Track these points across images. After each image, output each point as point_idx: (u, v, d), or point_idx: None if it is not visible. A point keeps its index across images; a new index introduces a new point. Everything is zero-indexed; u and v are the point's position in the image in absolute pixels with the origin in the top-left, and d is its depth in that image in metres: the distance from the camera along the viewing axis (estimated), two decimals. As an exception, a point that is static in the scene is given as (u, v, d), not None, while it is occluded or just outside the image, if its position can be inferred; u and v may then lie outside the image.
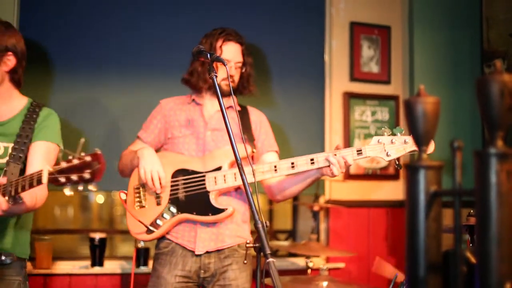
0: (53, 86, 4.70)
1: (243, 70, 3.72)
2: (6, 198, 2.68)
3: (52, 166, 2.46)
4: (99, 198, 6.65)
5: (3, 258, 3.08)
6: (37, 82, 4.59)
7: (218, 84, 3.59)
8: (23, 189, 2.61)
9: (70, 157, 2.42)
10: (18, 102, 3.23)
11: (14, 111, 3.19)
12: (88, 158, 2.38)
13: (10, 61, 3.13)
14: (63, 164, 2.42)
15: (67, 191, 2.43)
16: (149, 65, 4.88)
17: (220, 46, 3.64)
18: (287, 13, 5.29)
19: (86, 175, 2.37)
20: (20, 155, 3.07)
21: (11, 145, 3.10)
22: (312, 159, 3.32)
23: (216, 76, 3.03)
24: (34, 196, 2.96)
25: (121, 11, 4.88)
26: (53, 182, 2.45)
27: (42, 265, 4.62)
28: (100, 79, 4.80)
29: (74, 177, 2.39)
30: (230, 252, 3.57)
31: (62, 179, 2.41)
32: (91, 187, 2.41)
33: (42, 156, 3.12)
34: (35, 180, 2.54)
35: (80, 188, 2.43)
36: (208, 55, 3.14)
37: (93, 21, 4.83)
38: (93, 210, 6.90)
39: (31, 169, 3.05)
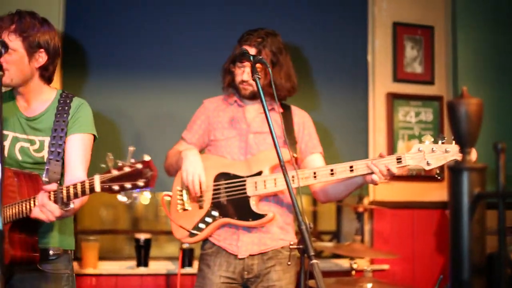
0: (88, 87, 4.79)
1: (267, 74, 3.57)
2: (59, 204, 2.69)
3: (103, 174, 2.48)
4: (144, 199, 6.69)
5: (51, 253, 3.12)
6: (72, 84, 4.68)
7: (237, 87, 3.62)
8: (76, 196, 2.63)
9: (120, 165, 2.43)
10: (48, 95, 3.23)
11: (45, 105, 3.19)
12: (139, 166, 2.40)
13: (42, 58, 3.13)
14: (115, 172, 2.43)
15: (121, 198, 2.44)
16: (178, 68, 4.94)
17: None
18: (329, 13, 5.28)
19: (140, 183, 2.39)
20: (58, 150, 3.08)
21: (46, 139, 3.12)
22: (351, 166, 3.30)
23: (259, 78, 3.02)
24: (84, 199, 2.96)
25: (154, 17, 4.95)
26: (107, 190, 2.47)
27: (89, 265, 4.68)
28: (132, 82, 4.87)
29: (128, 185, 2.41)
30: (273, 254, 3.57)
31: (116, 187, 2.43)
32: (146, 193, 2.42)
33: (79, 149, 3.12)
34: (88, 189, 2.56)
35: (135, 195, 2.45)
36: (251, 57, 3.14)
37: (125, 26, 4.91)
38: (138, 210, 6.93)
39: (69, 165, 3.07)
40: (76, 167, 3.07)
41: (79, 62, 4.76)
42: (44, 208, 2.71)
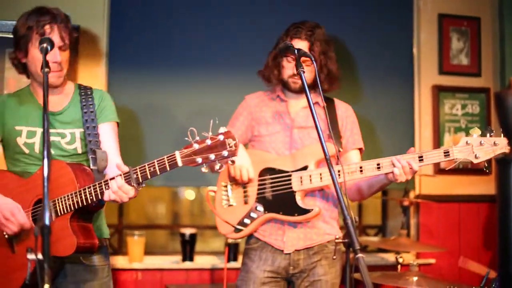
0: (132, 86, 4.83)
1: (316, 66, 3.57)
2: (133, 185, 2.77)
3: (182, 149, 2.57)
4: (190, 194, 6.73)
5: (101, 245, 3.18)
6: (117, 83, 4.74)
7: (286, 81, 3.60)
8: (153, 175, 2.71)
9: (199, 139, 2.54)
10: (69, 89, 3.30)
11: (68, 98, 3.26)
12: (221, 137, 2.50)
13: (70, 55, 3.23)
14: (196, 146, 2.53)
15: (204, 169, 2.54)
16: (220, 64, 4.95)
17: None
18: (373, 6, 5.24)
19: (225, 152, 2.49)
20: (96, 140, 3.15)
21: (76, 130, 3.18)
22: (378, 164, 3.28)
23: (304, 72, 3.01)
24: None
25: (194, 11, 4.98)
26: (189, 163, 2.56)
27: (135, 260, 4.72)
28: (174, 78, 4.90)
29: (211, 156, 2.51)
30: (319, 249, 3.56)
31: (199, 160, 2.52)
32: (230, 161, 2.49)
33: (112, 137, 3.23)
34: (168, 165, 2.64)
35: (217, 167, 2.53)
36: (296, 51, 3.13)
37: (163, 22, 4.93)
38: (184, 205, 6.98)
39: (109, 153, 3.13)
40: (113, 154, 3.15)
41: (123, 61, 4.79)
42: (119, 190, 2.78)
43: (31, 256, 2.14)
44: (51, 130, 3.16)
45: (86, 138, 3.15)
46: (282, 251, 3.52)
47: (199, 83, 4.90)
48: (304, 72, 3.00)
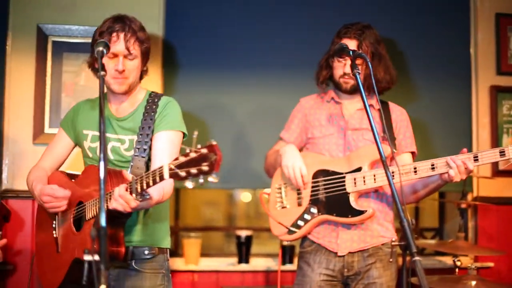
0: (188, 88, 4.85)
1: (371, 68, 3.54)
2: (134, 195, 2.72)
3: (171, 161, 2.45)
4: (245, 196, 6.75)
5: (146, 252, 3.20)
6: (173, 85, 4.77)
7: (337, 82, 3.60)
8: (148, 186, 2.64)
9: (187, 151, 2.40)
10: (140, 95, 3.35)
11: (135, 105, 3.30)
12: (204, 151, 2.33)
13: (145, 63, 3.31)
14: (182, 159, 2.40)
15: (189, 185, 2.40)
16: (277, 65, 4.92)
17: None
18: (429, 6, 5.18)
19: (205, 167, 2.32)
20: (144, 147, 3.16)
21: (135, 137, 3.21)
22: (432, 164, 3.25)
23: (359, 73, 3.00)
24: (161, 190, 3.01)
25: (250, 13, 4.98)
26: (174, 177, 2.44)
27: (191, 262, 4.75)
28: (228, 80, 4.90)
29: (193, 170, 2.35)
30: (373, 251, 3.54)
31: (183, 174, 2.38)
32: (211, 178, 2.36)
33: (165, 145, 3.18)
34: (158, 177, 2.56)
35: (201, 181, 2.37)
36: (350, 52, 3.12)
37: (219, 23, 4.93)
38: (239, 208, 7.00)
39: (155, 161, 3.13)
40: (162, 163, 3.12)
41: (179, 63, 4.83)
42: (120, 199, 2.76)
43: (87, 257, 2.16)
44: (113, 136, 3.23)
45: (135, 145, 3.18)
46: (336, 253, 3.51)
47: (257, 85, 4.89)
48: (359, 73, 2.99)
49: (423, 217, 6.03)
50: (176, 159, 2.41)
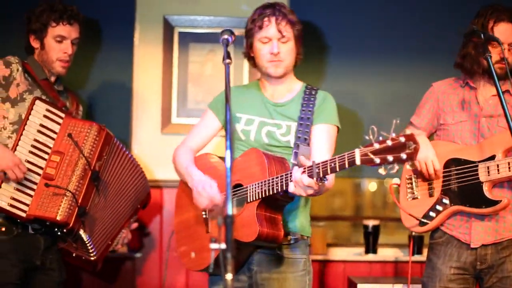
0: (327, 72, 4.81)
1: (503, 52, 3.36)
2: (314, 179, 2.77)
3: (364, 147, 2.54)
4: (372, 186, 6.69)
5: (289, 238, 3.23)
6: (311, 68, 4.71)
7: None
8: (333, 171, 2.70)
9: (381, 138, 2.48)
10: (295, 85, 3.42)
11: (292, 93, 3.38)
12: (402, 139, 2.42)
13: (300, 47, 3.36)
14: (376, 145, 2.48)
15: (381, 171, 2.50)
16: (408, 50, 4.80)
17: (492, 28, 3.41)
18: None
19: (403, 155, 2.41)
20: (305, 137, 3.23)
21: (293, 124, 3.27)
22: None
23: (491, 57, 2.89)
24: (332, 178, 3.10)
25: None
26: (367, 163, 2.52)
27: (318, 251, 4.74)
28: (366, 67, 4.81)
29: (389, 157, 2.43)
30: (508, 243, 3.41)
31: (377, 160, 2.47)
32: (408, 165, 2.44)
33: (326, 138, 3.27)
34: (347, 162, 2.62)
35: (396, 168, 2.47)
36: (482, 34, 3.01)
37: (344, 7, 4.85)
38: (366, 197, 6.95)
39: (317, 152, 3.19)
40: (324, 155, 3.15)
41: (317, 51, 4.80)
42: (300, 183, 2.80)
43: (214, 245, 2.19)
44: (270, 120, 3.32)
45: (296, 133, 3.24)
46: (469, 245, 3.41)
47: (388, 70, 4.80)
48: (491, 57, 2.89)
49: None
50: (370, 145, 2.50)
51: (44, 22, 3.59)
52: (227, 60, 2.78)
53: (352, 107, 4.74)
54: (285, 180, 2.89)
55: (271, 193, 2.94)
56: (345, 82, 4.78)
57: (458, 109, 3.56)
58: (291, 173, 2.87)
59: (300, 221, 3.30)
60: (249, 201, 3.04)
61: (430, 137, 3.68)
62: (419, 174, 3.53)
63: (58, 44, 3.61)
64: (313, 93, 3.34)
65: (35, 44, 3.64)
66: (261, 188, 2.98)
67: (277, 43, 3.21)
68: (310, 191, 2.83)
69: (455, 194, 3.43)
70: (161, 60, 4.63)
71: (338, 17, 4.84)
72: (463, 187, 3.41)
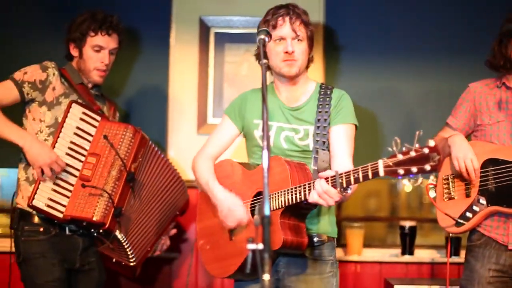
0: (345, 73, 4.79)
1: None
2: (338, 189, 2.77)
3: (387, 159, 2.53)
4: (407, 187, 6.65)
5: (315, 239, 3.22)
6: (329, 68, 4.74)
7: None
8: (356, 181, 2.70)
9: (404, 149, 2.47)
10: (309, 86, 3.38)
11: (307, 95, 3.34)
12: (426, 150, 2.41)
13: (311, 49, 3.33)
14: (400, 157, 2.47)
15: (406, 182, 2.50)
16: (443, 49, 4.75)
17: None
18: None
19: (427, 167, 2.40)
20: (323, 140, 3.20)
21: (310, 128, 3.25)
22: None
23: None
24: (355, 186, 3.05)
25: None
26: (391, 174, 2.52)
27: (353, 252, 4.73)
28: (394, 65, 4.79)
29: (413, 169, 2.43)
30: (548, 245, 3.38)
31: (401, 171, 2.47)
32: (431, 178, 2.43)
33: (345, 140, 3.23)
34: (371, 173, 2.62)
35: (420, 180, 2.48)
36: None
37: (380, 6, 4.83)
38: (402, 198, 6.91)
39: (337, 154, 3.18)
40: (343, 157, 3.16)
41: (340, 50, 4.79)
42: (324, 193, 2.80)
43: (251, 245, 2.20)
44: (287, 125, 3.29)
45: (314, 137, 3.22)
46: (507, 246, 3.38)
47: (423, 70, 4.76)
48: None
49: None
50: (393, 156, 2.51)
51: (83, 31, 3.66)
52: (264, 61, 2.76)
53: (387, 105, 4.73)
54: (308, 189, 2.88)
55: (294, 202, 2.94)
56: (381, 80, 4.77)
57: (495, 109, 3.53)
58: (313, 182, 2.86)
59: (325, 223, 3.28)
60: (272, 209, 3.03)
61: (467, 138, 3.65)
62: (457, 173, 3.50)
63: (96, 53, 3.67)
64: (328, 92, 3.30)
65: (74, 52, 3.72)
66: (285, 197, 2.97)
67: (291, 42, 3.19)
68: (332, 202, 2.82)
69: (493, 195, 3.40)
70: (197, 60, 4.67)
71: (375, 13, 4.82)
72: (501, 187, 3.38)
